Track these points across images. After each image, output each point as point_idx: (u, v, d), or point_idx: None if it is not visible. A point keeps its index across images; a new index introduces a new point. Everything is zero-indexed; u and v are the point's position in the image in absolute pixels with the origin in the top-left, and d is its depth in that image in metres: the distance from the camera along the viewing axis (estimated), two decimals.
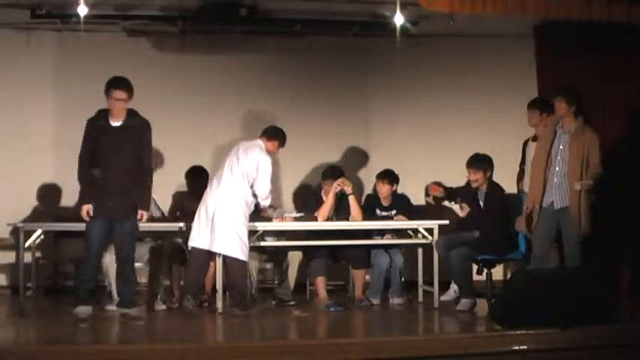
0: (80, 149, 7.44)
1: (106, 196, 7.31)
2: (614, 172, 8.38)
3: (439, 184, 8.54)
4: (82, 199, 7.37)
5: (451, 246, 8.11)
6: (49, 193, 9.29)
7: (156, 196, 8.69)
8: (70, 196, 9.26)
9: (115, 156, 7.34)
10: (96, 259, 7.47)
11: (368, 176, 9.71)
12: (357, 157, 9.90)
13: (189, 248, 7.95)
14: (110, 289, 7.90)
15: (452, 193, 8.50)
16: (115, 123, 7.40)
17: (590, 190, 7.50)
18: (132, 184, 7.41)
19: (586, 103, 7.73)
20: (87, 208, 7.32)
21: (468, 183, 8.40)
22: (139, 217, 7.45)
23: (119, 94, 7.36)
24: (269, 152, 8.10)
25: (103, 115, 7.43)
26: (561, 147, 7.60)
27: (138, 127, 7.47)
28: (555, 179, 7.59)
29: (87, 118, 7.46)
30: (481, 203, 8.28)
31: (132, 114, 7.47)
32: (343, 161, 9.61)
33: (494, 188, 8.29)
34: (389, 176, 8.79)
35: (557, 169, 7.59)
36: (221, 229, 7.77)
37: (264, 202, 8.08)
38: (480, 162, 8.29)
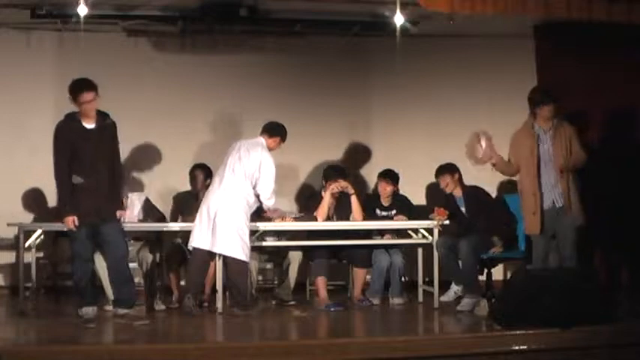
0: (55, 157, 7.35)
1: (92, 200, 7.29)
2: (612, 172, 8.41)
3: (443, 207, 8.52)
4: (67, 210, 7.28)
5: (452, 246, 8.11)
6: (49, 193, 9.27)
7: (151, 196, 8.70)
8: None
9: (99, 159, 7.35)
10: (91, 261, 7.49)
11: (369, 176, 9.72)
12: (358, 157, 9.90)
13: (191, 248, 7.94)
14: (105, 290, 7.88)
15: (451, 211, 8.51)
16: (90, 125, 7.36)
17: (574, 173, 7.57)
18: (113, 184, 7.45)
19: (587, 102, 7.77)
20: (72, 219, 7.27)
21: (447, 196, 8.53)
22: (118, 215, 7.49)
23: (89, 95, 7.30)
24: (270, 149, 8.07)
25: (74, 118, 7.37)
26: (546, 146, 7.66)
27: (111, 126, 7.47)
28: (551, 179, 7.62)
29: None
30: (463, 209, 8.34)
31: (102, 114, 7.44)
32: (343, 161, 9.61)
33: (471, 190, 8.40)
34: (392, 176, 8.80)
35: (549, 167, 7.64)
36: (222, 229, 7.76)
37: (268, 202, 8.01)
38: (444, 169, 8.50)
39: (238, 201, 7.83)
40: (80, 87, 7.32)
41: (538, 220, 7.61)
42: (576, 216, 7.56)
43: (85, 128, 7.35)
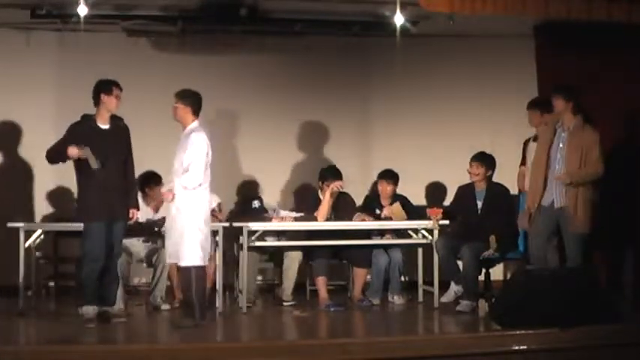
0: (57, 143, 7.41)
1: (106, 198, 7.32)
2: (613, 172, 8.39)
3: (435, 206, 8.50)
4: (65, 146, 7.29)
5: (452, 248, 8.10)
6: (49, 193, 9.29)
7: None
8: (70, 196, 9.30)
9: (111, 157, 7.38)
10: (101, 260, 7.44)
11: (368, 176, 9.71)
12: (357, 157, 9.90)
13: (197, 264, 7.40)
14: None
15: (450, 212, 8.46)
16: (104, 126, 7.45)
17: (586, 187, 7.52)
18: (125, 184, 7.48)
19: (586, 101, 7.74)
20: (75, 147, 7.25)
21: (462, 187, 8.47)
22: (130, 215, 7.50)
23: (119, 91, 7.42)
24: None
25: (90, 119, 7.47)
26: (561, 145, 7.61)
27: (124, 128, 7.57)
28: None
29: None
30: (479, 202, 8.31)
31: (115, 117, 7.52)
32: (343, 161, 9.59)
33: (497, 187, 8.32)
34: (392, 176, 8.80)
35: (557, 167, 7.60)
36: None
37: None
38: (485, 159, 8.37)
39: None
40: (113, 82, 7.42)
41: (528, 216, 7.63)
42: (582, 224, 7.51)
43: (101, 128, 7.44)
